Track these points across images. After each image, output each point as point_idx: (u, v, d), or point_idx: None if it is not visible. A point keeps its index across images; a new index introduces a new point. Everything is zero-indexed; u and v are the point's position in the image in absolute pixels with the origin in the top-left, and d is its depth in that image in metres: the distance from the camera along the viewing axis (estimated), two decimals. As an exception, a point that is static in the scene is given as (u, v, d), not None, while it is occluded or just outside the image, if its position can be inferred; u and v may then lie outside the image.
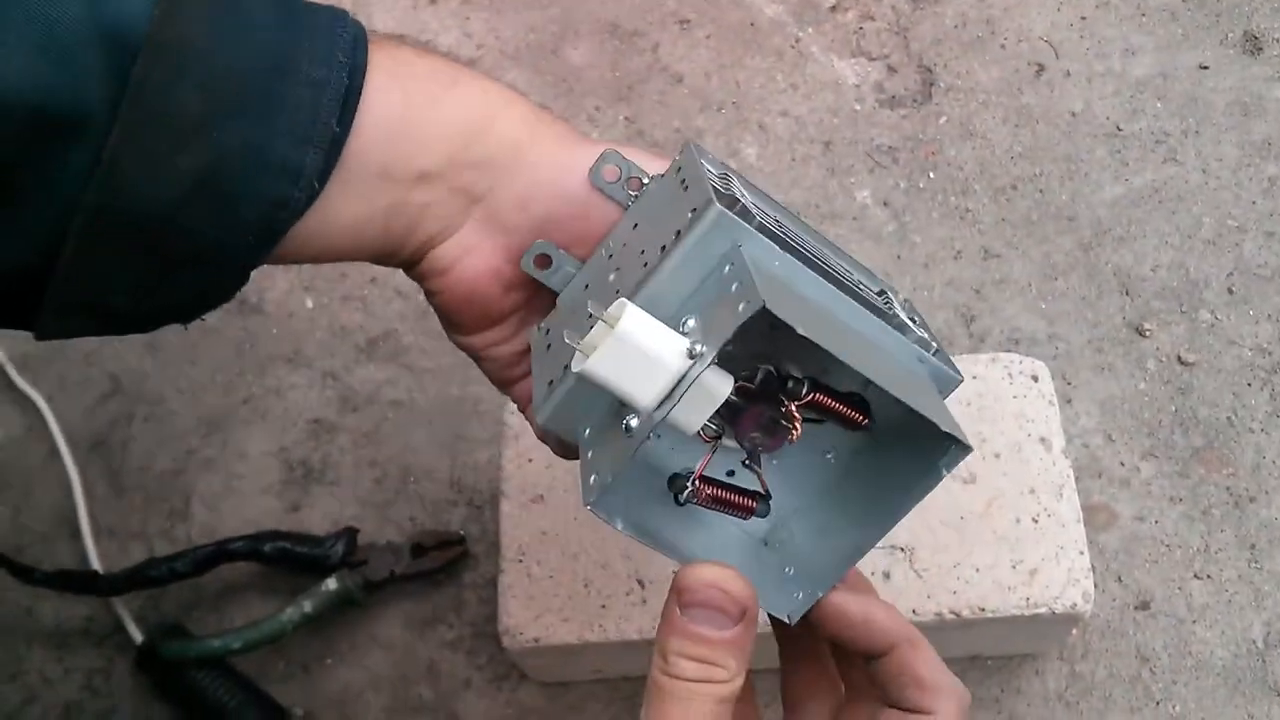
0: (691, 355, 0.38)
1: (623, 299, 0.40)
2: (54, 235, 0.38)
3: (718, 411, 0.40)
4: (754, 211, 0.42)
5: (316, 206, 0.42)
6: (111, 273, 0.40)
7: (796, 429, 0.41)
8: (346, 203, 0.43)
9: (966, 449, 0.40)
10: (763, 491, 0.44)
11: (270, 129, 0.40)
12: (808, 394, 0.41)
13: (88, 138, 0.37)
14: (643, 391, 0.39)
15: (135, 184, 0.38)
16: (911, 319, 0.45)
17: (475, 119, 0.45)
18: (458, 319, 0.49)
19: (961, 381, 0.45)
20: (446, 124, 0.45)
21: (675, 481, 0.44)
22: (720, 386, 0.39)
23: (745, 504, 0.44)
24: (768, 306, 0.36)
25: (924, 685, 0.44)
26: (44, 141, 0.37)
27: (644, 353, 0.38)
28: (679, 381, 0.38)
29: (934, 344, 0.45)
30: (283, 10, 0.42)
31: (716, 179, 0.43)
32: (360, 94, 0.42)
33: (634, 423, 0.39)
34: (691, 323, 0.40)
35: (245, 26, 0.40)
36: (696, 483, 0.43)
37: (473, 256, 0.47)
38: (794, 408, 0.41)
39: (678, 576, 0.41)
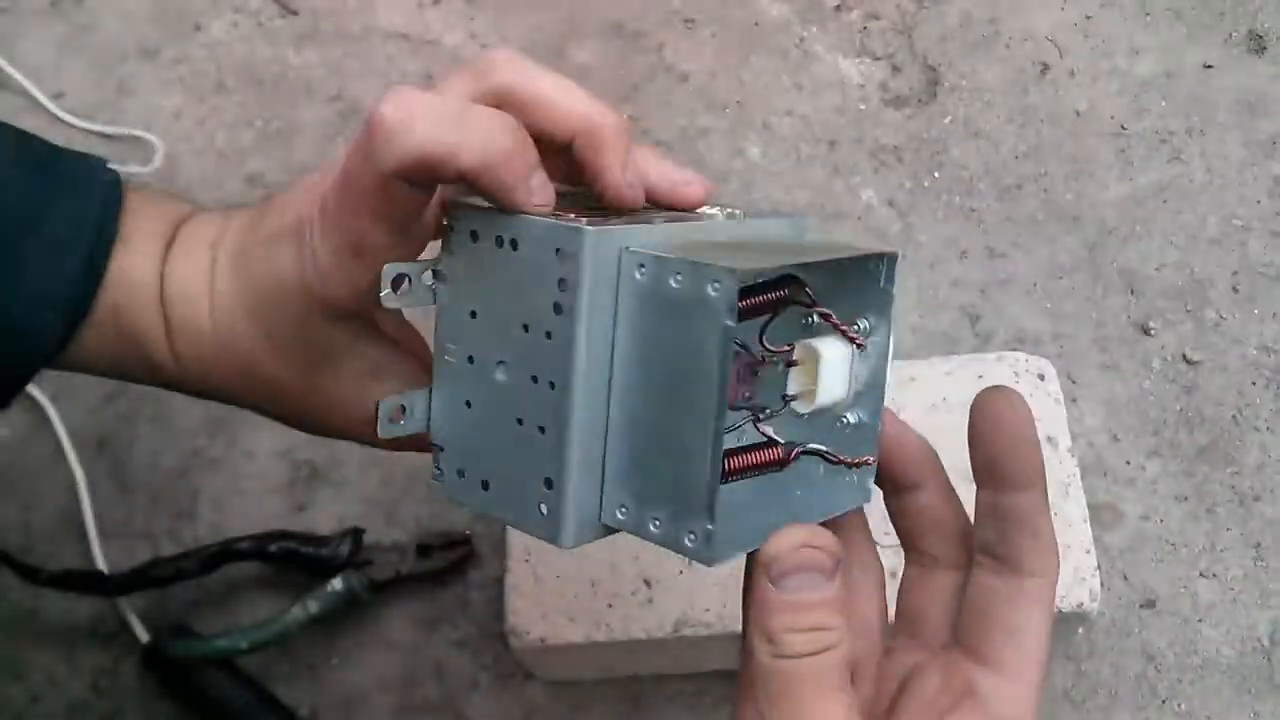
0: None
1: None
2: None
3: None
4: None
5: (74, 351, 0.42)
6: None
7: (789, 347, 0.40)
8: (102, 350, 0.43)
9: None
10: (775, 439, 0.42)
11: (7, 291, 0.40)
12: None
13: None
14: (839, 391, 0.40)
15: None
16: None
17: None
18: None
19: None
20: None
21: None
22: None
23: (773, 454, 0.41)
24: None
25: (1042, 539, 0.40)
26: None
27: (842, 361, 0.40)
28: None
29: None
30: (32, 164, 0.41)
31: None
32: (109, 252, 0.41)
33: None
34: None
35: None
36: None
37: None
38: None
39: (762, 551, 0.38)
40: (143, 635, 0.73)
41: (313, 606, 0.71)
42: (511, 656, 0.71)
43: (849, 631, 0.38)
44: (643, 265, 0.37)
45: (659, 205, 0.44)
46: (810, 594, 0.37)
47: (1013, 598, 0.40)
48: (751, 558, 0.39)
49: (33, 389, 0.81)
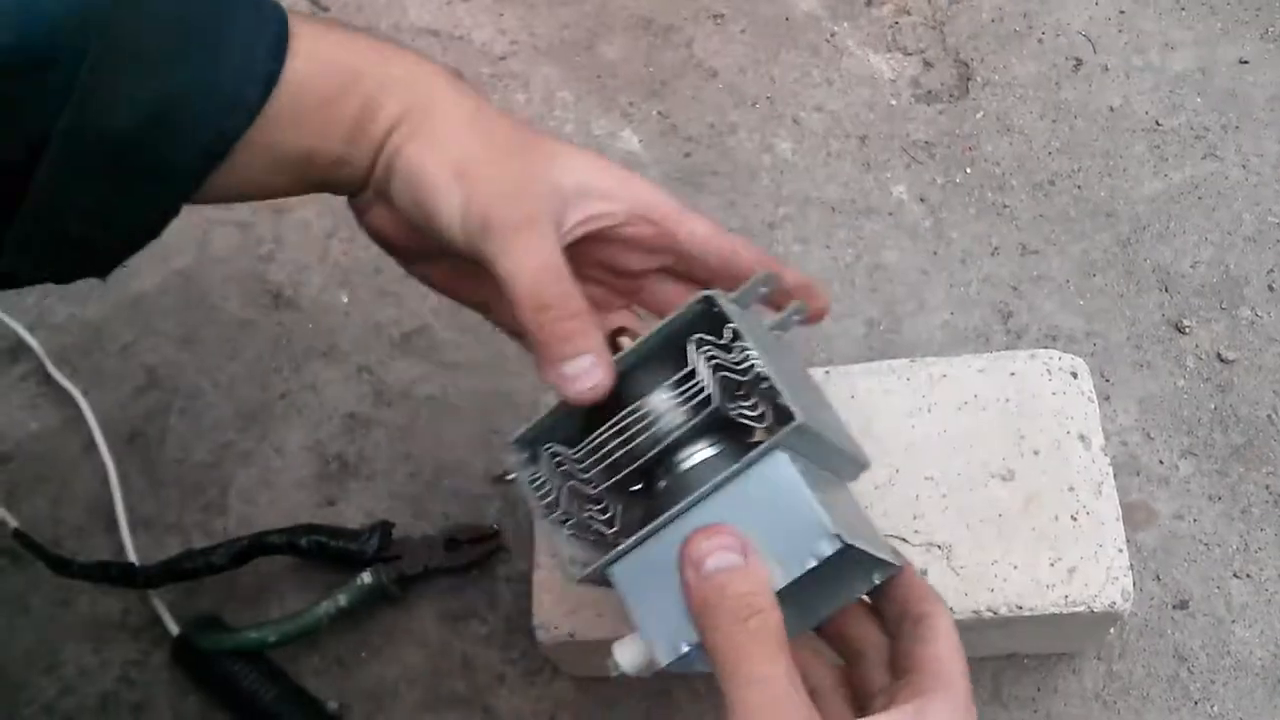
0: None
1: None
2: (28, 158, 0.44)
3: None
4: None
5: (253, 138, 0.48)
6: (74, 195, 0.46)
7: None
8: (279, 135, 0.49)
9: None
10: None
11: (218, 66, 0.46)
12: None
13: (59, 71, 0.43)
14: None
15: (103, 110, 0.44)
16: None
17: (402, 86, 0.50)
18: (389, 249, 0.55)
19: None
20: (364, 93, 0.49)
21: None
22: None
23: None
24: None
25: (928, 596, 0.49)
26: (20, 76, 0.43)
27: None
28: None
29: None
30: None
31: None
32: (289, 40, 0.48)
33: None
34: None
35: None
36: None
37: (372, 218, 0.53)
38: None
39: (682, 557, 0.45)
40: (173, 627, 0.73)
41: (342, 600, 0.71)
42: (539, 651, 0.71)
43: (779, 613, 0.44)
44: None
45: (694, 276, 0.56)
46: (728, 570, 0.44)
47: (920, 623, 0.48)
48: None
49: (65, 381, 0.82)
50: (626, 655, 0.48)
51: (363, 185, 0.52)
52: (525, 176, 0.50)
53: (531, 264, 0.48)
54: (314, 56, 0.49)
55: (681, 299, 0.51)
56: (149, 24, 0.45)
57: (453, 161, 0.49)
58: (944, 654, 0.46)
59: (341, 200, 0.54)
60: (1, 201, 0.45)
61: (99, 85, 0.44)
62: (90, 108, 0.44)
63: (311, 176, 0.51)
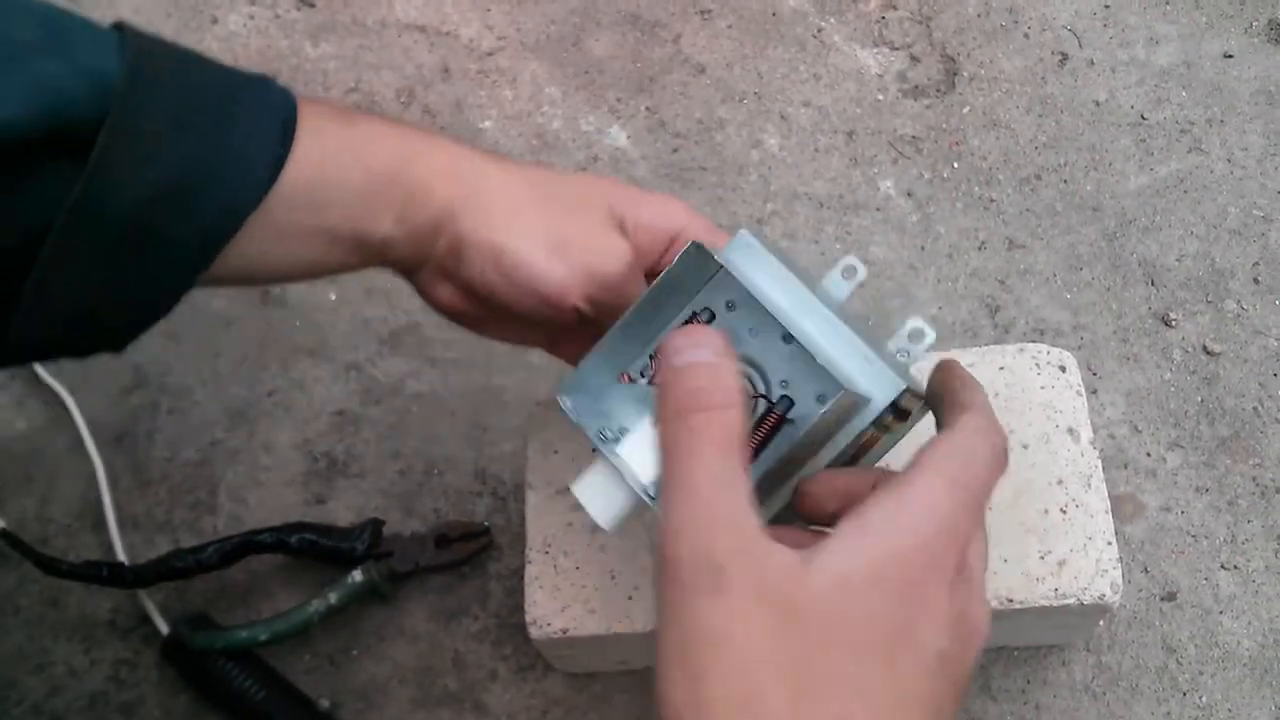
0: None
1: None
2: (37, 233, 0.44)
3: None
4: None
5: (265, 220, 0.49)
6: (81, 267, 0.46)
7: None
8: (304, 216, 0.51)
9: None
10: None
11: (226, 144, 0.48)
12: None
13: (73, 151, 0.44)
14: None
15: (113, 186, 0.45)
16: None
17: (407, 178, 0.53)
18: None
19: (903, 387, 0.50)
20: (374, 178, 0.52)
21: None
22: None
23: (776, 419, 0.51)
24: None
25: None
26: (33, 151, 0.44)
27: None
28: None
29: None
30: (226, 65, 0.51)
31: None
32: (296, 124, 0.50)
33: None
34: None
35: (204, 68, 0.49)
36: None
37: (438, 293, 0.57)
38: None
39: (658, 353, 0.46)
40: (163, 627, 0.73)
41: (333, 598, 0.71)
42: (531, 648, 0.71)
43: (742, 410, 0.41)
44: None
45: None
46: (693, 364, 0.41)
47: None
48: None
49: (52, 380, 0.81)
50: (595, 496, 0.50)
51: (416, 264, 0.55)
52: (603, 225, 0.56)
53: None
54: (342, 143, 0.51)
55: None
56: (158, 103, 0.46)
57: (541, 236, 0.54)
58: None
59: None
60: (8, 275, 0.45)
61: (108, 163, 0.45)
62: (98, 185, 0.45)
63: (362, 255, 0.54)
